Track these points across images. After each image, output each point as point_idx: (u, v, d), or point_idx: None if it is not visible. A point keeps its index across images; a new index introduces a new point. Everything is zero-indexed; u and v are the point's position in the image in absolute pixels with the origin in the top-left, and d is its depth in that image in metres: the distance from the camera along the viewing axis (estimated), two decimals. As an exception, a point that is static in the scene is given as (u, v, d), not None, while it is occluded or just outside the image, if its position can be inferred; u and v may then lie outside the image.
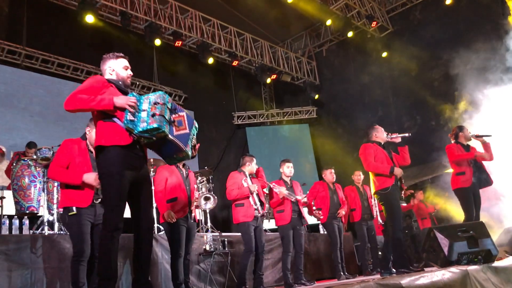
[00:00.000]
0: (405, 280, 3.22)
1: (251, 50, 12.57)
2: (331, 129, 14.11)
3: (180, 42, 10.86)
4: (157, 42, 10.30)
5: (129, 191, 3.06)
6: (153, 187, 4.50)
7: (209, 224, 7.18)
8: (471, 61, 8.92)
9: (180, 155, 3.16)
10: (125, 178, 3.00)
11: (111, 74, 3.28)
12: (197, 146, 3.44)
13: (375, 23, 12.13)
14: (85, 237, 3.67)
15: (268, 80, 13.06)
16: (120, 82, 3.27)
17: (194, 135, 3.29)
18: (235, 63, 12.21)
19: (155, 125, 2.92)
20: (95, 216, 3.75)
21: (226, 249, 6.33)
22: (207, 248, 6.17)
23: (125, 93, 3.20)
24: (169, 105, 3.06)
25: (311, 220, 9.93)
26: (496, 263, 4.66)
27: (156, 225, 6.02)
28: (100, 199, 3.77)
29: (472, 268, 4.20)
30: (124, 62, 3.33)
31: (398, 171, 5.12)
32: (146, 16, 10.17)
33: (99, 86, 3.10)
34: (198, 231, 6.67)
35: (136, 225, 3.14)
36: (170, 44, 11.17)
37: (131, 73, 3.39)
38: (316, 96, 13.77)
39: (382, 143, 5.42)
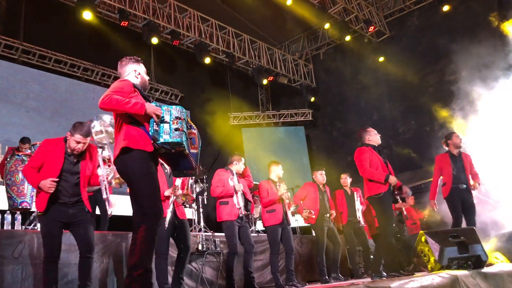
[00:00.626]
0: (394, 284, 3.23)
1: (249, 51, 12.58)
2: (327, 132, 14.16)
3: (178, 41, 10.90)
4: (155, 40, 10.29)
5: None
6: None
7: (202, 224, 7.18)
8: (467, 68, 8.96)
9: (189, 172, 3.32)
10: (154, 174, 3.13)
11: (137, 78, 3.40)
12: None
13: (372, 27, 12.17)
14: (52, 239, 3.70)
15: (265, 82, 13.08)
16: (141, 87, 3.39)
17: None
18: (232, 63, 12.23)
19: (177, 140, 3.05)
20: (68, 217, 3.78)
21: (218, 249, 6.32)
22: (200, 248, 6.16)
23: (146, 99, 3.29)
24: (186, 121, 3.18)
25: (302, 222, 9.98)
26: (486, 269, 4.69)
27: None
28: (75, 201, 3.82)
29: (461, 273, 4.23)
30: (144, 67, 3.49)
31: (393, 180, 5.13)
32: (144, 15, 10.16)
33: (129, 90, 3.18)
34: (191, 231, 6.66)
35: None
36: (168, 43, 11.17)
37: (149, 78, 3.53)
38: (312, 99, 13.81)
39: (376, 146, 5.44)
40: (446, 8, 11.25)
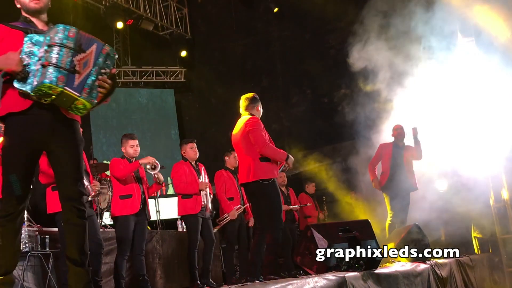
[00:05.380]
0: (267, 289, 3.40)
1: (101, -17, 12.12)
2: (203, 98, 14.25)
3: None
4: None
5: (49, 161, 3.25)
6: None
7: (25, 215, 6.83)
8: (377, 27, 9.44)
9: (78, 103, 3.12)
10: (16, 154, 3.09)
11: (18, 3, 3.30)
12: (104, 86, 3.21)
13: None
14: None
15: (121, 25, 12.67)
16: (25, 17, 3.27)
17: (104, 68, 3.15)
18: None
19: (45, 81, 2.89)
20: None
21: (47, 248, 6.09)
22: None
23: (26, 31, 3.15)
24: (70, 44, 2.98)
25: (166, 213, 10.02)
26: (379, 270, 5.15)
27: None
28: None
29: (351, 275, 4.58)
30: None
31: (291, 161, 5.37)
32: None
33: None
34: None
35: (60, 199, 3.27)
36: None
37: None
38: (184, 53, 13.74)
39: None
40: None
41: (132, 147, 6.05)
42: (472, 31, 8.64)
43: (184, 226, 7.88)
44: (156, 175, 6.16)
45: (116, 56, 3.26)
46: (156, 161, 6.08)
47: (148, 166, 6.00)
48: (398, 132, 7.80)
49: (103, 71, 3.14)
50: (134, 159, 6.09)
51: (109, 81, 3.18)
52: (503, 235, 8.01)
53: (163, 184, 6.51)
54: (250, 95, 5.70)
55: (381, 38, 8.83)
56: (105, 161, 9.96)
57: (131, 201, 5.93)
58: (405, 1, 8.91)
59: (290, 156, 5.40)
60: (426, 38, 8.54)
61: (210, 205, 6.79)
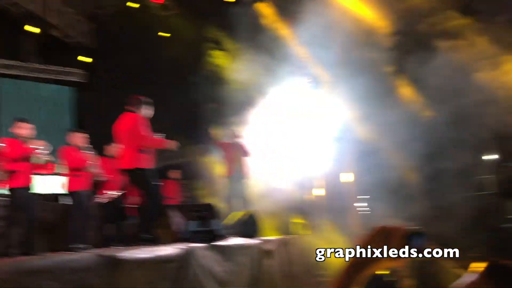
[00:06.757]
0: (124, 253, 3.46)
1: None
2: (101, 99, 13.73)
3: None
4: None
5: None
6: None
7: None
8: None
9: None
10: None
11: None
12: None
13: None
14: None
15: (32, 29, 11.89)
16: None
17: None
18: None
19: None
20: None
21: None
22: None
23: None
24: None
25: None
26: (220, 243, 5.39)
27: None
28: None
29: (196, 245, 4.77)
30: None
31: (173, 144, 5.33)
32: None
33: None
34: None
35: None
36: None
37: None
38: (87, 59, 13.18)
39: None
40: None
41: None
42: (310, 73, 9.22)
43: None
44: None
45: None
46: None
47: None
48: (232, 134, 8.15)
49: None
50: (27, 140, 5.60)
51: None
52: (317, 220, 8.59)
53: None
54: (138, 96, 5.58)
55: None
56: None
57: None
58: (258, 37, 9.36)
59: (170, 141, 5.34)
60: (276, 73, 9.04)
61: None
